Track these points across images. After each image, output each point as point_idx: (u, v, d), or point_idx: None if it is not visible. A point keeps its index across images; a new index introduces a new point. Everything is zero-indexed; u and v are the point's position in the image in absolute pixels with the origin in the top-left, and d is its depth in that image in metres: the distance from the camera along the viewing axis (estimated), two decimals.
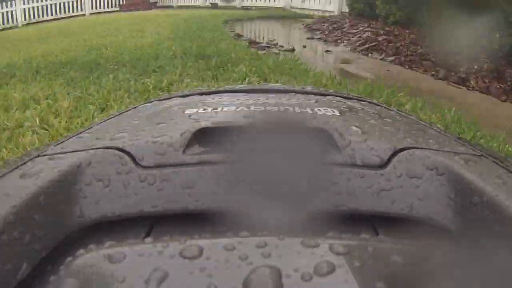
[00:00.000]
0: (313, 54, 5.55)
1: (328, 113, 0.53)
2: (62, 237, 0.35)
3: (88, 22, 9.40)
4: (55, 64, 4.08)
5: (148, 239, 0.30)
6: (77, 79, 3.44)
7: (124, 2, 13.45)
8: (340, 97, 0.69)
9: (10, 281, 0.30)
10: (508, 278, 0.26)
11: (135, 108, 0.64)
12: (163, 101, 0.65)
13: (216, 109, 0.54)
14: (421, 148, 0.42)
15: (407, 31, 5.65)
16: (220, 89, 0.70)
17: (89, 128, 0.53)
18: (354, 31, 6.29)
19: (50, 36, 7.09)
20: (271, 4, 11.38)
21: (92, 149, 0.42)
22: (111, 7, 13.20)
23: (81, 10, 12.57)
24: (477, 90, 3.46)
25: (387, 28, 6.05)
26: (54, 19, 11.63)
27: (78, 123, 2.31)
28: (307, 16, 9.18)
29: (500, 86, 3.42)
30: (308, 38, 6.51)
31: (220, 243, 0.28)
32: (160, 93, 2.86)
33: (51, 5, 12.14)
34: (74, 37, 6.48)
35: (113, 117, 0.59)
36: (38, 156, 0.43)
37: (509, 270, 0.27)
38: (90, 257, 0.27)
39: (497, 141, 2.17)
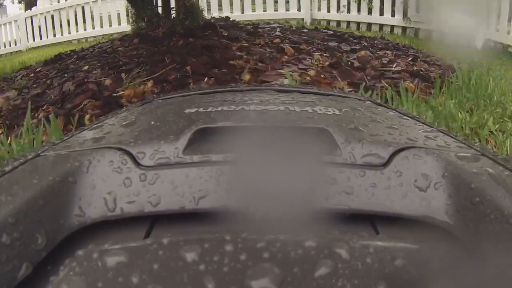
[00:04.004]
0: None
1: (328, 113, 0.53)
2: (62, 237, 0.35)
3: None
4: None
5: (148, 239, 0.30)
6: None
7: None
8: (341, 96, 0.69)
9: (10, 281, 0.30)
10: (508, 278, 0.26)
11: (135, 107, 0.64)
12: (164, 100, 0.66)
13: (216, 108, 0.54)
14: (421, 148, 0.42)
15: None
16: (220, 88, 0.70)
17: (89, 128, 0.53)
18: None
19: None
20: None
21: (92, 148, 0.42)
22: None
23: None
24: None
25: None
26: None
27: None
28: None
29: None
30: None
31: (220, 243, 0.28)
32: None
33: None
34: None
35: (113, 116, 0.59)
36: (38, 155, 0.43)
37: (509, 270, 0.27)
38: (90, 257, 0.27)
39: None
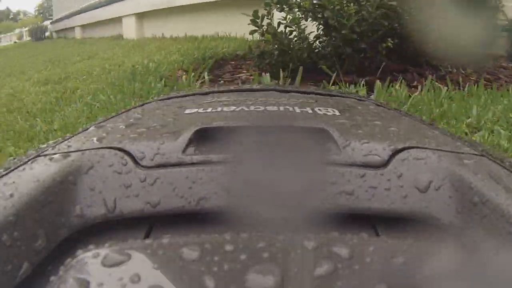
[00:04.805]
0: None
1: (328, 113, 0.53)
2: (62, 237, 0.35)
3: None
4: None
5: (148, 239, 0.30)
6: None
7: None
8: (340, 96, 0.69)
9: (10, 281, 0.30)
10: (508, 278, 0.26)
11: (135, 108, 0.64)
12: (164, 101, 0.66)
13: (216, 109, 0.54)
14: (421, 148, 0.42)
15: None
16: (220, 89, 0.70)
17: (89, 128, 0.53)
18: None
19: None
20: None
21: (92, 149, 0.42)
22: None
23: None
24: None
25: None
26: None
27: None
28: None
29: None
30: None
31: (220, 243, 0.28)
32: None
33: None
34: None
35: (113, 117, 0.59)
36: (39, 156, 0.43)
37: (509, 270, 0.27)
38: (90, 257, 0.27)
39: None
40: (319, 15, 2.15)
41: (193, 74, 2.40)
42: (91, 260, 0.27)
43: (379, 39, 2.18)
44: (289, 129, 0.46)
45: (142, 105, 0.66)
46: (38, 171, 0.39)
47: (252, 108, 0.53)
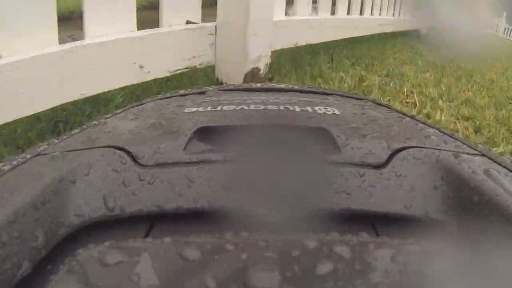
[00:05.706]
0: None
1: (328, 112, 0.53)
2: (61, 236, 0.35)
3: None
4: None
5: (148, 239, 0.30)
6: None
7: None
8: (341, 96, 0.69)
9: (9, 280, 0.30)
10: (508, 277, 0.26)
11: (134, 107, 0.64)
12: (163, 99, 0.66)
13: (216, 108, 0.54)
14: (421, 148, 0.42)
15: None
16: (220, 88, 0.70)
17: (89, 127, 0.53)
18: None
19: None
20: None
21: (92, 148, 0.42)
22: None
23: None
24: None
25: None
26: None
27: None
28: None
29: None
30: None
31: (220, 243, 0.28)
32: None
33: None
34: None
35: (113, 115, 0.59)
36: (38, 155, 0.43)
37: (509, 269, 0.27)
38: (90, 257, 0.27)
39: None
40: None
41: None
42: (91, 259, 0.27)
43: None
44: (289, 128, 0.46)
45: (142, 104, 0.66)
46: (38, 170, 0.39)
47: (252, 107, 0.53)
